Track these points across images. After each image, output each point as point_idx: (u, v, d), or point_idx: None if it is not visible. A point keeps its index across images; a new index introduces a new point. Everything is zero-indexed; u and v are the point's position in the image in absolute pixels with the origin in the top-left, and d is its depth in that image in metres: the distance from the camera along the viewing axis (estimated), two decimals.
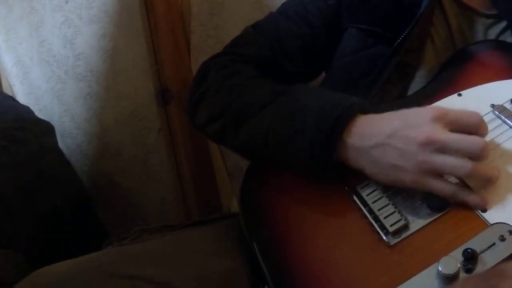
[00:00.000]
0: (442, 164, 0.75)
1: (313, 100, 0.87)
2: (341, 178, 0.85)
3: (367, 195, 0.82)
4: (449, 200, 0.77)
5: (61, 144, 1.65)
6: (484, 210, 0.75)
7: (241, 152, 1.00)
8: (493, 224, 0.73)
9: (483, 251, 0.70)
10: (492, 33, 0.99)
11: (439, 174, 0.76)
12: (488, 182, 0.76)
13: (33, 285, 0.79)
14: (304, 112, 0.85)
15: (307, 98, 0.88)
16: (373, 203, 0.81)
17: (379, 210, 0.79)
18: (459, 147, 0.74)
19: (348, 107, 0.82)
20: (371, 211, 0.80)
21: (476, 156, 0.74)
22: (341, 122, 0.81)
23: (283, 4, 1.13)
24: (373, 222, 0.78)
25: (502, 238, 0.71)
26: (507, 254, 0.70)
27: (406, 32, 0.94)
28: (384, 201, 0.80)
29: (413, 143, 0.76)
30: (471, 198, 0.75)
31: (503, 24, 0.97)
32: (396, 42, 0.95)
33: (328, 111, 0.83)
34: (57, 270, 0.82)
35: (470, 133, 0.76)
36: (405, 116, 0.80)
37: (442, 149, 0.75)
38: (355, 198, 0.83)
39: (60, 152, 1.61)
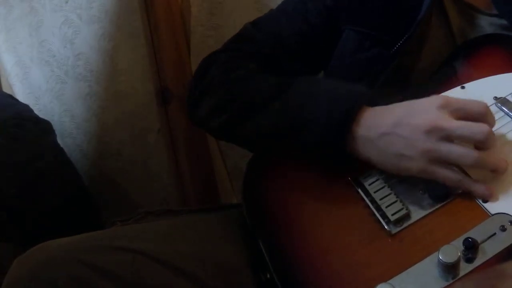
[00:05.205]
0: (448, 152, 0.75)
1: (321, 92, 0.87)
2: (345, 168, 0.85)
3: (369, 185, 0.82)
4: (454, 188, 0.76)
5: (61, 144, 1.65)
6: (486, 201, 0.75)
7: (246, 145, 1.00)
8: (494, 214, 0.73)
9: (484, 241, 0.70)
10: (494, 31, 0.98)
11: (445, 162, 0.76)
12: (492, 173, 0.76)
13: (34, 255, 0.81)
14: (313, 104, 0.86)
15: (315, 90, 0.89)
16: (375, 192, 0.81)
17: (381, 199, 0.79)
18: (464, 134, 0.74)
19: (355, 99, 0.83)
20: (373, 201, 0.80)
21: (481, 143, 0.74)
22: (349, 115, 0.82)
23: (283, 1, 1.12)
24: (375, 211, 0.79)
25: (503, 228, 0.71)
26: (508, 244, 0.70)
27: (406, 36, 0.94)
28: (386, 190, 0.80)
29: (418, 131, 0.76)
30: (477, 188, 0.75)
31: (504, 21, 0.97)
32: (396, 46, 0.95)
33: (337, 104, 0.83)
34: (58, 243, 0.84)
35: (476, 122, 0.76)
36: (410, 106, 0.80)
37: (448, 136, 0.75)
38: (357, 188, 0.83)
39: (60, 151, 1.61)
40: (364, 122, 0.82)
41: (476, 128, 0.74)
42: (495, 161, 0.75)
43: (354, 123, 0.82)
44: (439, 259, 0.68)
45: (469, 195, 0.76)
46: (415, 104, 0.80)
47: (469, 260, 0.69)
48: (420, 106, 0.79)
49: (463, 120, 0.76)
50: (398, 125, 0.78)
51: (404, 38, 0.94)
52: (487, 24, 0.98)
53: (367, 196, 0.81)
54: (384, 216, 0.77)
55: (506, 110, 0.83)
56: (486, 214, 0.73)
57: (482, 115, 0.76)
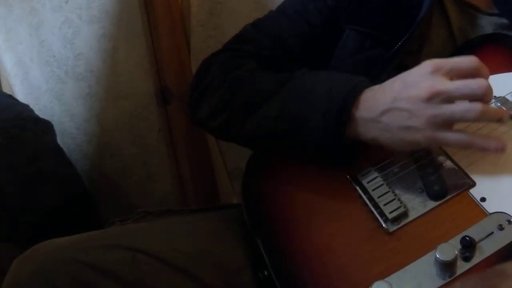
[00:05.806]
0: (452, 112, 0.74)
1: (319, 83, 0.88)
2: (343, 167, 0.86)
3: (367, 183, 0.83)
4: (452, 186, 0.77)
5: (61, 144, 1.65)
6: (483, 199, 0.75)
7: (247, 143, 1.00)
8: (492, 213, 0.73)
9: (482, 240, 0.71)
10: (494, 30, 0.98)
11: (450, 125, 0.76)
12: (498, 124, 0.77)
13: (34, 255, 0.82)
14: (312, 95, 0.86)
15: (313, 81, 0.89)
16: (373, 190, 0.81)
17: (379, 197, 0.80)
18: (463, 92, 0.74)
19: (354, 85, 0.84)
20: (371, 199, 0.80)
21: (481, 97, 0.74)
22: (349, 100, 0.82)
23: (283, 2, 1.13)
24: (372, 209, 0.79)
25: (501, 228, 0.71)
26: (506, 243, 0.70)
27: (407, 36, 0.94)
28: (384, 188, 0.81)
29: (418, 100, 0.76)
30: (488, 142, 0.75)
31: (504, 20, 0.97)
32: (397, 46, 0.95)
33: (336, 91, 0.84)
34: (57, 243, 0.84)
35: (471, 77, 0.76)
36: (404, 78, 0.80)
37: (448, 98, 0.75)
38: (356, 186, 0.83)
39: (60, 151, 1.61)
40: (363, 103, 0.82)
41: (474, 84, 0.74)
42: (497, 110, 0.76)
43: (353, 108, 0.82)
44: (436, 257, 0.68)
45: (467, 195, 0.76)
46: (408, 75, 0.80)
47: (467, 259, 0.69)
48: (413, 76, 0.79)
49: (458, 79, 0.76)
50: (397, 99, 0.78)
51: (405, 38, 0.94)
52: (488, 23, 0.98)
53: (365, 194, 0.81)
54: (382, 214, 0.78)
55: (505, 109, 0.83)
56: (484, 213, 0.74)
57: (475, 69, 0.76)
